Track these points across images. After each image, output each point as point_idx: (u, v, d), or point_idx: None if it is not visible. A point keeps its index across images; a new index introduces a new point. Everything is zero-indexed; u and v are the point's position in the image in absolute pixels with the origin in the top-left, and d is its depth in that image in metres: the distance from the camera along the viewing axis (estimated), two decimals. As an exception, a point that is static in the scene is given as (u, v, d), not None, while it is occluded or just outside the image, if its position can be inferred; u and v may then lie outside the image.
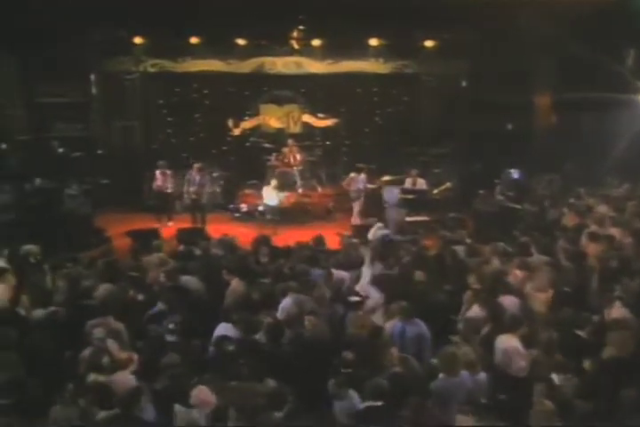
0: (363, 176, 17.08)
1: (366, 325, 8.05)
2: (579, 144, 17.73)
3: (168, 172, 16.79)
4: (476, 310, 8.38)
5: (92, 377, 6.94)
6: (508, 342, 7.48)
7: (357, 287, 9.59)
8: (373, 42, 18.66)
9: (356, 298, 8.66)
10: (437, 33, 18.53)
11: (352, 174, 17.18)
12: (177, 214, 17.31)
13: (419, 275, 9.75)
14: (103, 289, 9.10)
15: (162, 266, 10.11)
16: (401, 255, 10.88)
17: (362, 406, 6.52)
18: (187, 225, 15.73)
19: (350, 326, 8.23)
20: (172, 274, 9.70)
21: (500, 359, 7.45)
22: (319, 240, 11.85)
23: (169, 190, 16.82)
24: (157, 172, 16.77)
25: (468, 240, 11.88)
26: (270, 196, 16.23)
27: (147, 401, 6.40)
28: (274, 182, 16.43)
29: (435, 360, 7.22)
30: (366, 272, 10.03)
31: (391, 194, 16.16)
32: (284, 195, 16.78)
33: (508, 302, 8.60)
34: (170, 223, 16.52)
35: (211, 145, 20.18)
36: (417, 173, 16.72)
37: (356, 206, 17.07)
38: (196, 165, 16.64)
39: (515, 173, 16.78)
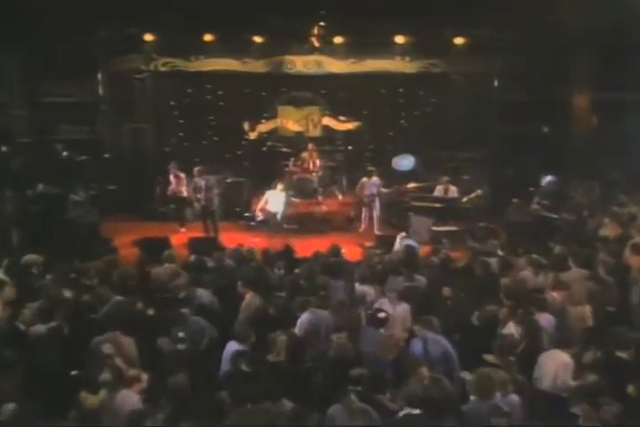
0: (375, 179, 17.12)
1: (392, 345, 7.97)
2: (620, 148, 17.49)
3: (181, 174, 16.89)
4: (511, 328, 8.26)
5: (82, 396, 6.88)
6: (557, 358, 7.46)
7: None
8: (399, 39, 18.56)
9: (382, 314, 8.55)
10: (468, 29, 18.39)
11: (364, 179, 17.29)
12: (189, 222, 17.33)
13: (446, 289, 9.66)
14: (110, 302, 9.03)
15: (173, 278, 10.04)
16: (426, 267, 10.85)
17: (400, 414, 6.50)
18: (199, 234, 15.73)
19: (375, 346, 8.11)
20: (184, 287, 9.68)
21: (543, 377, 7.43)
22: (335, 251, 11.79)
23: (184, 194, 16.92)
24: (171, 175, 16.92)
25: (500, 252, 11.76)
26: (276, 201, 16.09)
27: (156, 422, 6.32)
28: (280, 186, 16.34)
29: (467, 379, 7.13)
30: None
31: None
32: (290, 200, 16.64)
33: (545, 319, 8.49)
34: (182, 229, 16.55)
35: (225, 149, 20.20)
36: (448, 180, 16.70)
37: (365, 212, 17.31)
38: (196, 169, 16.53)
39: (551, 180, 16.62)
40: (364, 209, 17.35)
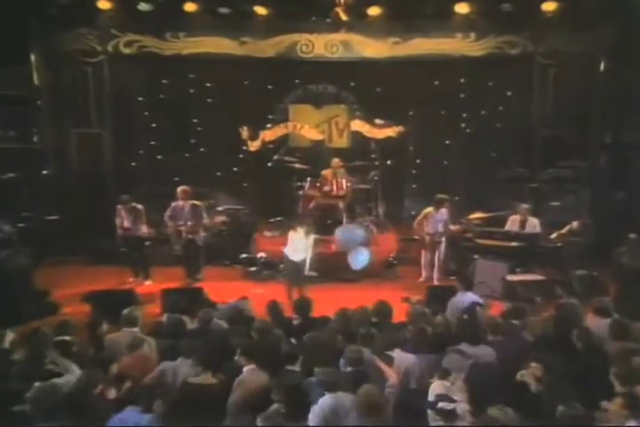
0: (444, 212, 16.72)
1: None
2: None
3: (139, 206, 16.43)
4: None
5: None
6: None
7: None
8: (461, 8, 18.35)
9: (448, 405, 8.12)
10: (561, -9, 18.19)
11: (428, 209, 16.85)
12: (161, 266, 17.09)
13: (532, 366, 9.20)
14: (41, 386, 8.61)
15: (135, 348, 9.82)
16: (497, 334, 10.49)
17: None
18: (175, 283, 15.51)
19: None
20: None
21: None
22: (382, 310, 11.45)
23: (143, 234, 16.54)
24: (120, 207, 16.38)
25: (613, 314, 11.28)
26: (295, 246, 15.56)
27: None
28: (301, 229, 15.64)
29: None
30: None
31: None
32: (318, 242, 16.21)
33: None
34: (147, 282, 16.30)
35: (215, 165, 20.28)
36: (527, 208, 16.35)
37: (426, 256, 16.99)
38: (182, 188, 16.26)
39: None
40: (423, 252, 17.04)
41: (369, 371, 9.07)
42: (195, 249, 16.31)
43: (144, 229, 16.49)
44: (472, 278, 15.16)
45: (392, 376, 9.11)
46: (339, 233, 16.58)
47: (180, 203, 16.18)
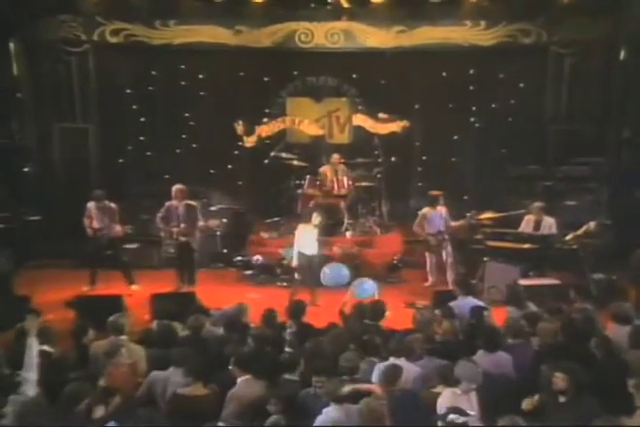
0: (442, 210, 16.57)
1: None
2: None
3: (112, 205, 16.20)
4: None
5: None
6: None
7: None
8: (471, -6, 18.30)
9: (459, 418, 7.96)
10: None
11: (425, 209, 16.72)
12: (150, 270, 17.07)
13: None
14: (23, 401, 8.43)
15: (113, 354, 9.65)
16: (509, 344, 10.38)
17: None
18: (165, 287, 15.35)
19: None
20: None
21: None
22: (377, 310, 11.40)
23: (118, 233, 16.24)
24: (91, 205, 16.18)
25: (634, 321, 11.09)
26: (307, 239, 15.49)
27: None
28: (317, 219, 15.63)
29: None
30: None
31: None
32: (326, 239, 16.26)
33: None
34: (133, 286, 16.08)
35: (208, 161, 20.17)
36: (540, 207, 16.14)
37: (432, 258, 16.81)
38: (177, 188, 15.96)
39: None
40: (428, 255, 16.86)
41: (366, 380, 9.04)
42: (188, 252, 16.06)
43: (118, 229, 16.18)
44: (482, 282, 15.09)
45: (374, 388, 8.98)
46: (325, 269, 16.38)
47: (175, 203, 15.88)
